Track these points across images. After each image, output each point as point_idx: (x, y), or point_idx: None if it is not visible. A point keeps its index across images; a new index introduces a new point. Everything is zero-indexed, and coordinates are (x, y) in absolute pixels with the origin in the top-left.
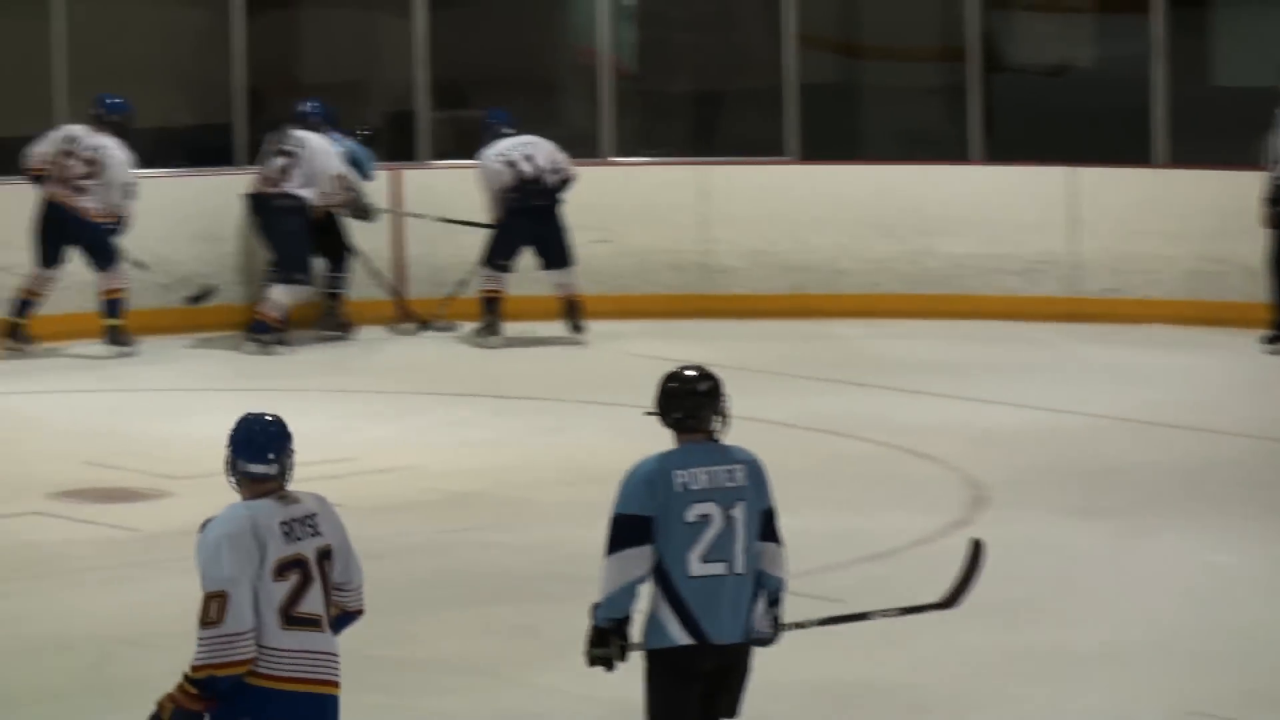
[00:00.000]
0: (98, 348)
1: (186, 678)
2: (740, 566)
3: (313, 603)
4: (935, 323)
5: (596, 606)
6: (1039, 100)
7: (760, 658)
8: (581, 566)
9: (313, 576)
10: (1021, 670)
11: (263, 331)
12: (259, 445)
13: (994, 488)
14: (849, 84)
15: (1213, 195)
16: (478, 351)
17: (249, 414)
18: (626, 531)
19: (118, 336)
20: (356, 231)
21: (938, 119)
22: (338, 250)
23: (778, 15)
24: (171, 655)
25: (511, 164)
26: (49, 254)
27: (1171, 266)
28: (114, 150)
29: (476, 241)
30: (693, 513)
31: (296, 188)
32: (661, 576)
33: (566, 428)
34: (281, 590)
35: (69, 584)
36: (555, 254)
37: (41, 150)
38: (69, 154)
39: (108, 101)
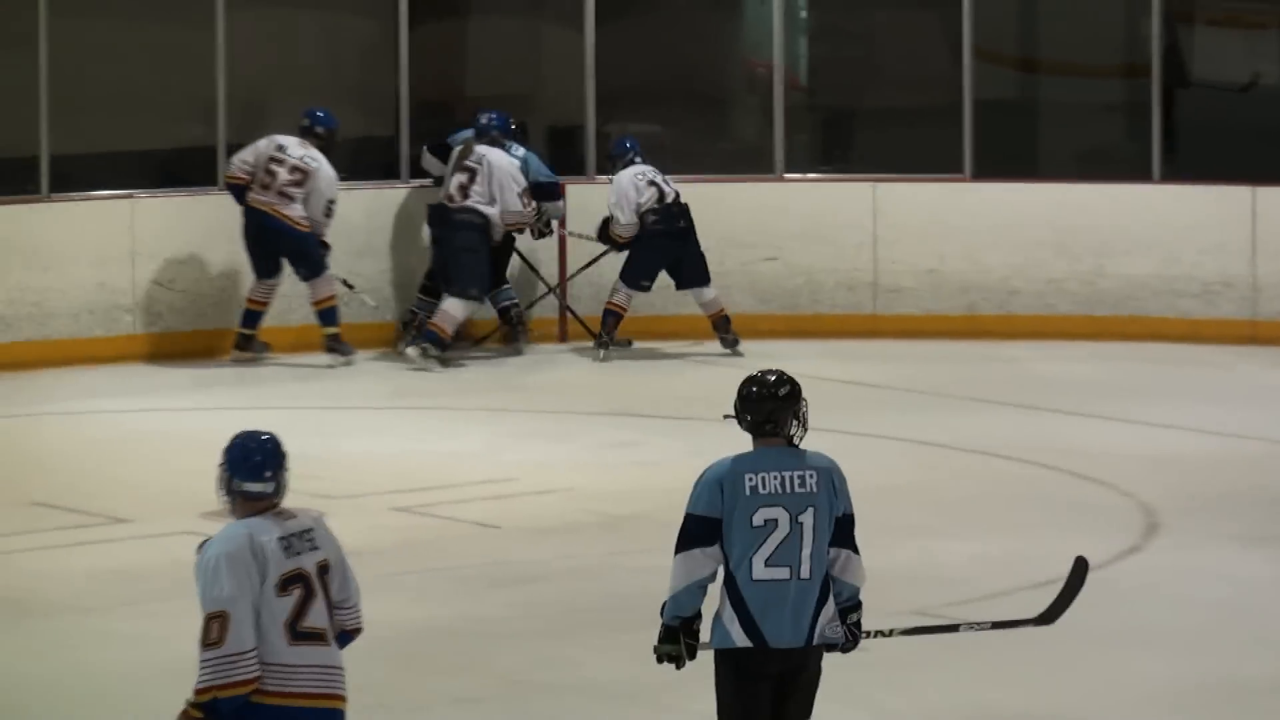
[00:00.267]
0: (320, 358)
1: (190, 702)
2: (806, 572)
3: (317, 617)
4: (1109, 345)
5: (665, 605)
6: (1223, 117)
7: (919, 682)
8: None
9: (315, 591)
10: (1192, 701)
11: (433, 341)
12: (257, 464)
13: (1168, 514)
14: (1026, 100)
15: None
16: (639, 372)
17: (244, 432)
18: (695, 531)
19: (337, 345)
20: (531, 248)
21: (1117, 136)
22: (503, 267)
23: (954, 29)
24: None
25: (653, 184)
26: (262, 264)
27: None
28: (324, 164)
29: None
30: (760, 516)
31: (478, 203)
32: (728, 578)
33: (728, 450)
34: (286, 605)
35: None
36: (696, 274)
37: (244, 159)
38: (278, 162)
39: (318, 114)
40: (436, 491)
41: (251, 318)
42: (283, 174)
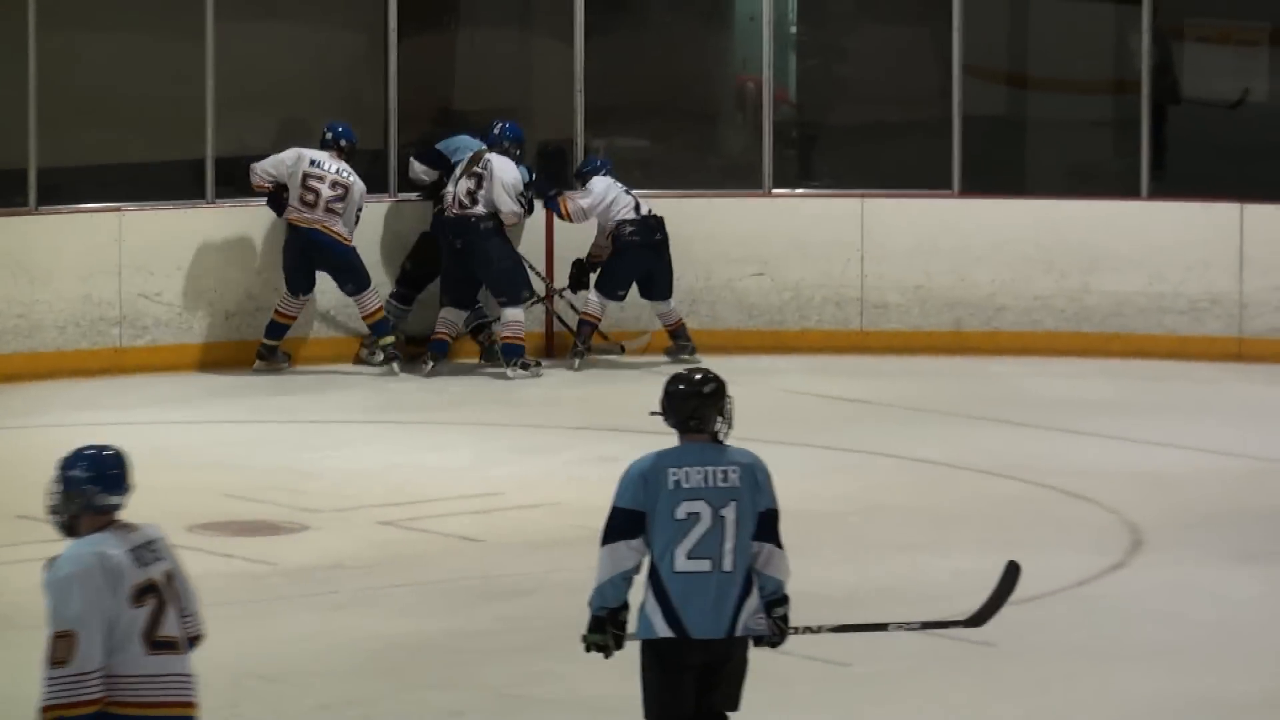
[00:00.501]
0: (371, 368)
1: None
2: (728, 565)
3: (170, 626)
4: (1095, 361)
5: (592, 596)
6: (1211, 134)
7: (909, 697)
8: None
9: (166, 600)
10: (1178, 718)
11: (517, 354)
12: (116, 476)
13: (1153, 530)
14: (1015, 116)
15: None
16: (625, 385)
17: (89, 447)
18: (620, 524)
19: (391, 353)
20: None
21: (1106, 153)
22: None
23: (944, 46)
24: (306, 691)
25: (630, 194)
26: (300, 279)
27: None
28: (356, 177)
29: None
30: (683, 509)
31: (486, 208)
32: (651, 570)
33: None
34: (141, 616)
35: (205, 618)
36: (663, 287)
37: (265, 169)
38: (317, 179)
39: (339, 128)
40: (423, 505)
41: (277, 330)
42: (325, 190)
